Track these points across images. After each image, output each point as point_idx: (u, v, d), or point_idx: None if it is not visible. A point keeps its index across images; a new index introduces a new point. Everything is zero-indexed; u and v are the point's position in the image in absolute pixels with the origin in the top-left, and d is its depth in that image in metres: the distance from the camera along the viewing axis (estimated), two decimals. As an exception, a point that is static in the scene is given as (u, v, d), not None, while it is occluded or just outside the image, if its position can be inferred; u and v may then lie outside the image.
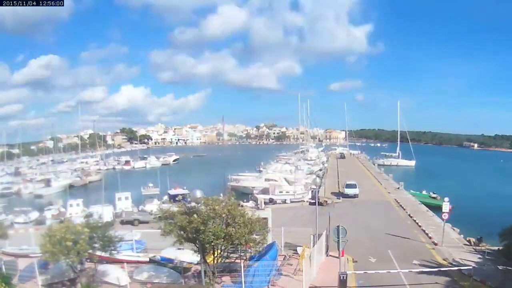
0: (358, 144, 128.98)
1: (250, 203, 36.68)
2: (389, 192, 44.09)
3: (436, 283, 16.93)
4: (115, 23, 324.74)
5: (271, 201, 39.65)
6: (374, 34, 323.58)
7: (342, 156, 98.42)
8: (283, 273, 17.58)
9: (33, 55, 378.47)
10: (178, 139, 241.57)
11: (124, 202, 37.02)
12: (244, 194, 44.78)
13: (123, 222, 32.01)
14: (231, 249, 16.75)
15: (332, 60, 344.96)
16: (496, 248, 22.53)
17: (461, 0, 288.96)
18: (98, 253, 15.64)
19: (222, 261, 16.86)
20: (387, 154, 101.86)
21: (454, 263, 20.10)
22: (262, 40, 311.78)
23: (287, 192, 41.86)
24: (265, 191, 42.72)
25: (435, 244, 23.36)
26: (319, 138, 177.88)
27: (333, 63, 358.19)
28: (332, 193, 42.82)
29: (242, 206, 16.94)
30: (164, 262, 18.57)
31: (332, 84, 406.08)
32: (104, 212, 30.50)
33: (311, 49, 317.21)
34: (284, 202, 39.62)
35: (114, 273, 16.70)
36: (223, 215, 15.27)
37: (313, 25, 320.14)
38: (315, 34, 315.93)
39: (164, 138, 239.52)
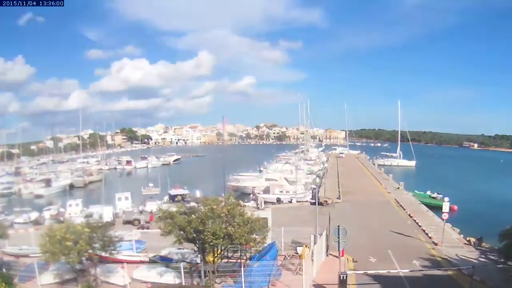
0: (358, 144, 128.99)
1: (251, 203, 36.70)
2: (389, 192, 44.10)
3: (436, 282, 16.93)
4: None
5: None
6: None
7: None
8: (284, 273, 17.58)
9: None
10: (178, 139, 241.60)
11: (124, 202, 37.01)
12: (244, 194, 44.84)
13: (125, 222, 32.09)
14: (231, 249, 16.75)
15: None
16: (496, 248, 22.51)
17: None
18: (98, 253, 15.63)
19: (222, 261, 16.86)
20: (388, 154, 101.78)
21: (455, 259, 20.16)
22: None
23: (287, 192, 41.95)
24: (267, 191, 42.87)
25: (435, 244, 23.37)
26: (319, 138, 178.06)
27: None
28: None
29: (243, 206, 16.92)
30: (164, 262, 18.56)
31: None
32: (104, 212, 30.50)
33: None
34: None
35: (114, 273, 16.71)
36: (222, 215, 15.26)
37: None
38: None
39: (164, 138, 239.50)
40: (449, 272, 17.98)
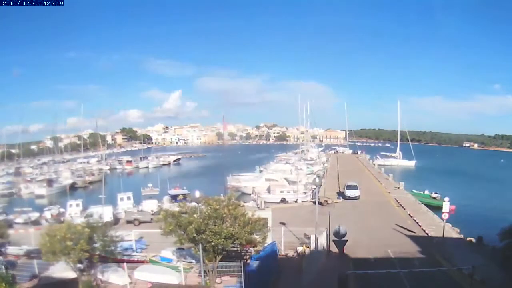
0: (358, 144, 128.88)
1: (251, 203, 36.74)
2: (389, 192, 44.11)
3: (436, 282, 16.93)
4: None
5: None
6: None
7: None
8: (284, 272, 17.59)
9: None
10: (178, 139, 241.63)
11: (126, 202, 37.08)
12: (244, 194, 44.85)
13: (128, 222, 32.22)
14: (231, 248, 16.74)
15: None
16: (496, 247, 22.51)
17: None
18: (99, 253, 15.63)
19: (222, 260, 16.86)
20: (387, 154, 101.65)
21: (455, 258, 20.14)
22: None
23: (287, 192, 42.04)
24: (269, 191, 43.03)
25: (436, 244, 23.35)
26: (319, 138, 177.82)
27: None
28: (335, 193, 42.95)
29: (243, 206, 16.92)
30: (164, 262, 18.57)
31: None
32: (104, 212, 30.51)
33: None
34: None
35: (114, 273, 16.71)
36: (224, 215, 15.27)
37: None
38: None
39: (164, 138, 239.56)
40: (449, 272, 17.97)
